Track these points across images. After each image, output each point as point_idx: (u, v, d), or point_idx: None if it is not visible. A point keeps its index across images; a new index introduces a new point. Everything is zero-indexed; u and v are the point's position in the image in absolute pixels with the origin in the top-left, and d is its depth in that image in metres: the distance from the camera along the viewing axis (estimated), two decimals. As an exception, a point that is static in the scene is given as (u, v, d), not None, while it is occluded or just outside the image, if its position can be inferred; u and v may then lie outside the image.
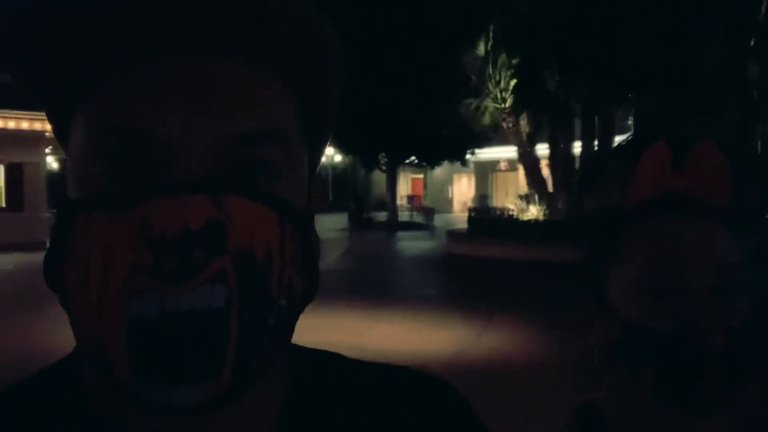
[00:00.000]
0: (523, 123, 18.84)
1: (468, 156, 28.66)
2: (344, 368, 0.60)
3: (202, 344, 0.41)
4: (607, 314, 0.84)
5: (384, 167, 28.57)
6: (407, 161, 28.85)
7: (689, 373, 0.76)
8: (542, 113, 18.47)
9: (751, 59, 17.71)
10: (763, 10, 17.53)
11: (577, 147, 18.56)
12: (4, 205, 18.98)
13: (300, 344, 0.59)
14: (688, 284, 0.78)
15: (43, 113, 0.53)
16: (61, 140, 0.51)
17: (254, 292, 0.44)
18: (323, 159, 0.60)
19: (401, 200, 34.79)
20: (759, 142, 19.38)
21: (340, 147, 28.40)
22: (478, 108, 18.36)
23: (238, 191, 0.44)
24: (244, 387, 0.44)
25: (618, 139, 20.69)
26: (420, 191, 43.50)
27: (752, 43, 17.67)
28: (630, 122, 20.59)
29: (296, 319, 0.49)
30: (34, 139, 18.34)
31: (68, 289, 0.44)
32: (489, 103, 18.16)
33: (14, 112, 17.51)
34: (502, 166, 38.19)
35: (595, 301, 0.86)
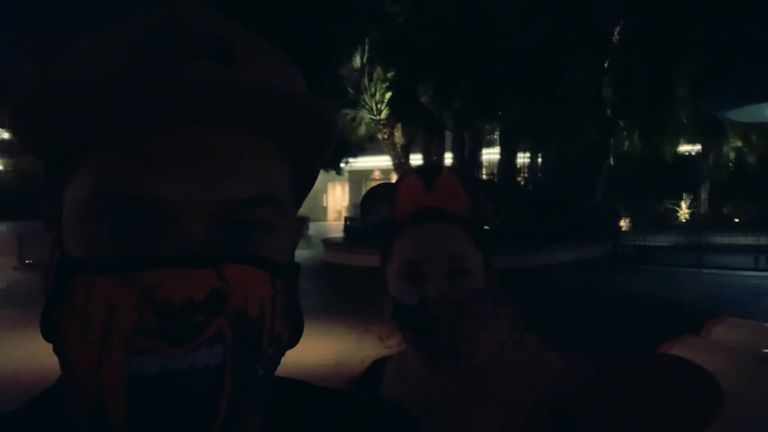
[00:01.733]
0: (398, 134, 19.23)
1: (343, 165, 28.84)
2: (312, 395, 0.64)
3: (198, 400, 0.44)
4: (387, 296, 1.14)
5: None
6: (283, 170, 28.60)
7: (425, 332, 1.07)
8: (416, 125, 18.94)
9: (606, 79, 19.12)
10: (616, 33, 19.00)
11: (448, 158, 19.18)
12: None
13: None
14: (427, 271, 1.08)
15: None
16: (53, 184, 0.51)
17: (247, 347, 0.46)
18: None
19: (276, 209, 34.33)
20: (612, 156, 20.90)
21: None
22: (354, 119, 18.56)
23: (238, 259, 0.46)
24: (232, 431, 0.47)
25: (485, 151, 21.65)
26: (295, 200, 43.14)
27: (606, 65, 19.09)
28: (497, 136, 21.56)
29: (279, 363, 0.51)
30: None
31: (66, 341, 0.46)
32: (365, 114, 18.40)
33: None
34: (377, 175, 38.76)
35: (382, 287, 1.17)
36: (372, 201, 1.21)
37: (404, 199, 1.15)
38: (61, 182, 0.50)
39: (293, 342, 0.53)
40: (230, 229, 0.47)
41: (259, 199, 0.48)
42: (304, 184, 0.58)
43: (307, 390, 0.64)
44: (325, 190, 43.14)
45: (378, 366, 1.23)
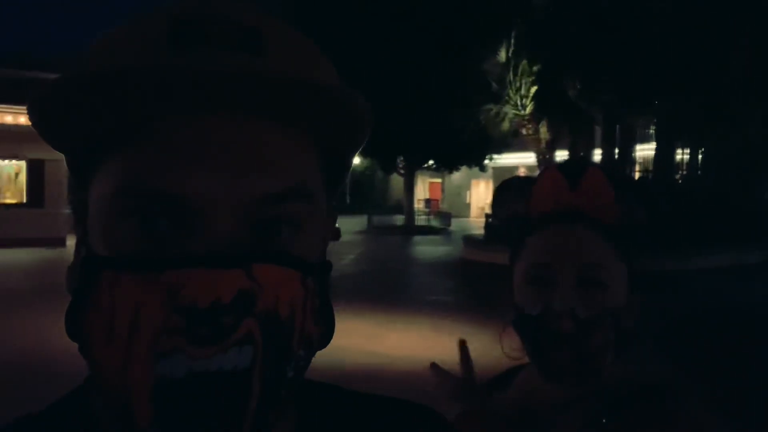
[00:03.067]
0: (543, 130, 18.76)
1: (486, 161, 28.61)
2: (343, 401, 0.63)
3: (225, 402, 0.43)
4: (512, 299, 1.05)
5: (402, 171, 28.58)
6: (425, 165, 28.82)
7: (545, 348, 0.97)
8: (562, 120, 18.37)
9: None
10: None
11: (597, 155, 18.44)
12: (25, 200, 19.20)
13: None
14: (555, 278, 0.97)
15: None
16: (79, 179, 0.50)
17: (278, 349, 0.45)
18: None
19: (418, 204, 34.75)
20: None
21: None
22: (497, 114, 18.32)
23: (267, 259, 0.45)
24: None
25: (639, 147, 20.57)
26: (437, 195, 43.42)
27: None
28: (651, 131, 20.41)
29: (310, 363, 0.50)
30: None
31: (91, 341, 0.45)
32: (509, 109, 18.11)
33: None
34: (521, 172, 38.06)
35: (508, 288, 1.07)
36: (505, 194, 1.10)
37: (542, 195, 1.03)
38: (86, 178, 0.49)
39: (324, 342, 0.51)
40: (258, 225, 0.46)
41: (287, 192, 0.46)
42: (336, 178, 0.55)
43: (339, 394, 0.63)
44: (468, 187, 43.03)
45: (513, 371, 1.15)
